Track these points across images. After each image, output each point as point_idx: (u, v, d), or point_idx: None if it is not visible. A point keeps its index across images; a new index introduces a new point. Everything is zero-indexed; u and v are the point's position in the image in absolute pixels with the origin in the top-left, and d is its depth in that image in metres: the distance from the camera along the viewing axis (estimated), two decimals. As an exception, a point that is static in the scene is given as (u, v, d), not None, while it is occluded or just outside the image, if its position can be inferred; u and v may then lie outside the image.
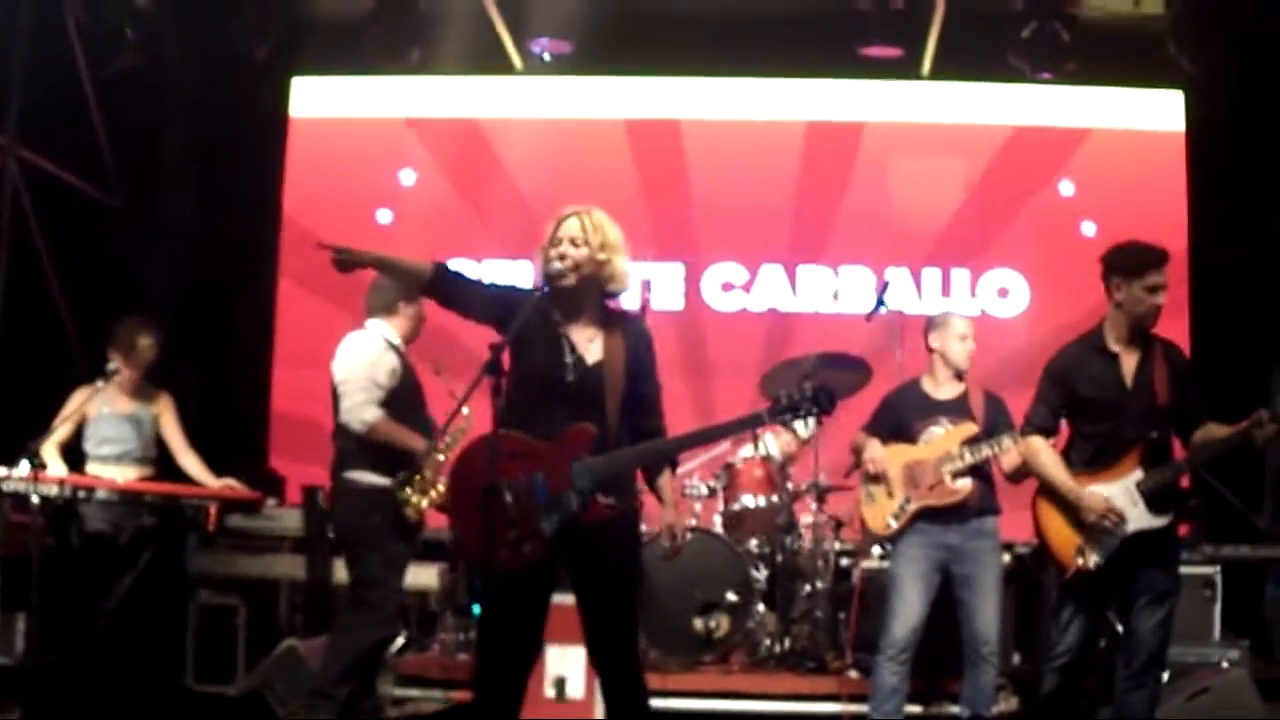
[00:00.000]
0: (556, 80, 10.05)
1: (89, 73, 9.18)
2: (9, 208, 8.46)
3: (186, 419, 7.95)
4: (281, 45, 9.58)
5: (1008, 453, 6.43)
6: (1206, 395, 5.89)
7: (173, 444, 7.81)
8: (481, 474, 4.63)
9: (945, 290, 9.82)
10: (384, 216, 10.04)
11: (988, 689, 6.50)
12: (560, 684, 6.90)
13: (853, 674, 7.30)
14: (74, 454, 7.65)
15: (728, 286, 9.94)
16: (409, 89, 10.10)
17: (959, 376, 6.68)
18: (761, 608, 7.71)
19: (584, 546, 4.84)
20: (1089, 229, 9.72)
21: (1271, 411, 5.57)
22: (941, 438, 6.55)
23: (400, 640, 7.49)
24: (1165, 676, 6.18)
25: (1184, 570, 6.54)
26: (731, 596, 7.56)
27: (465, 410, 5.13)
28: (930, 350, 6.72)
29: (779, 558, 7.87)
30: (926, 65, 9.79)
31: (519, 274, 8.68)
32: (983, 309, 9.69)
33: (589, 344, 4.94)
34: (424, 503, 6.24)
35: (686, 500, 7.95)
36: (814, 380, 5.01)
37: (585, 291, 4.95)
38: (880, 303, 7.56)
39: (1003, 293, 9.86)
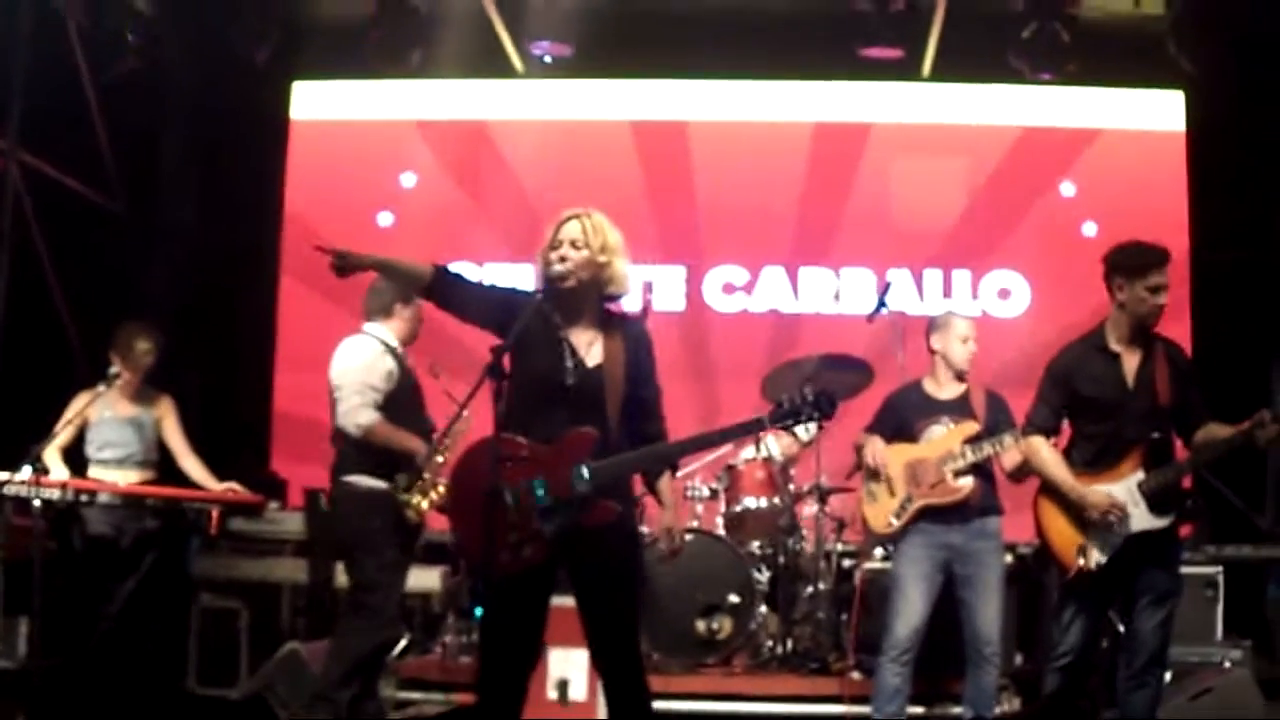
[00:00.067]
0: (557, 83, 10.06)
1: (90, 77, 9.19)
2: (10, 212, 8.48)
3: (188, 422, 7.96)
4: (282, 48, 9.59)
5: (1009, 451, 6.42)
6: (1207, 395, 5.89)
7: (174, 447, 7.82)
8: (482, 477, 4.63)
9: (946, 291, 9.82)
10: (385, 219, 10.05)
11: (990, 689, 6.49)
12: (563, 686, 6.89)
13: (855, 675, 7.29)
14: (76, 458, 7.66)
15: (729, 288, 9.95)
16: (410, 92, 10.11)
17: (960, 377, 6.68)
18: (764, 609, 7.71)
19: (584, 550, 4.85)
20: (1090, 229, 9.73)
21: (1273, 412, 5.57)
22: (943, 436, 6.55)
23: (403, 643, 7.49)
24: (1168, 677, 6.19)
25: (1186, 570, 6.56)
26: (733, 598, 7.57)
27: (465, 413, 5.12)
28: (932, 351, 6.72)
29: (781, 559, 7.87)
30: (927, 66, 9.79)
31: (520, 277, 8.67)
32: (984, 310, 9.69)
33: (589, 347, 4.94)
34: (425, 504, 6.23)
35: (688, 502, 7.96)
36: (815, 382, 5.04)
37: (585, 294, 4.95)
38: (881, 304, 7.56)
39: (1004, 294, 9.86)
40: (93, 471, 7.64)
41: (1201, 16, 9.06)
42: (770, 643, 7.77)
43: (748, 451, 8.03)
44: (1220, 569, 7.57)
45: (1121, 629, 6.08)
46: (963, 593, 6.49)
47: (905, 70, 9.69)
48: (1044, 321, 9.47)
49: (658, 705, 5.07)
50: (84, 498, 7.35)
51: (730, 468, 8.03)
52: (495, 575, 4.76)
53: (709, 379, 9.60)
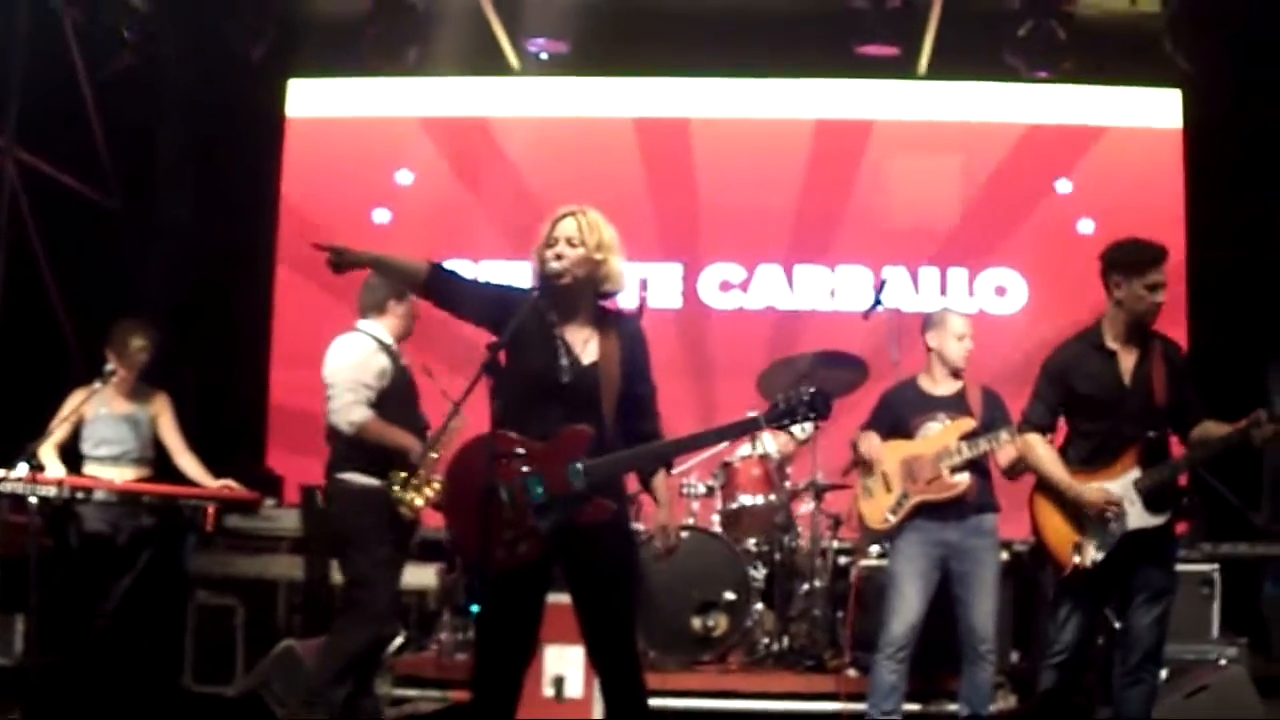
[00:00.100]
0: (554, 80, 10.06)
1: (86, 74, 9.18)
2: (7, 209, 8.46)
3: (184, 419, 7.96)
4: (278, 46, 9.59)
5: (1005, 447, 6.42)
6: (1204, 393, 5.89)
7: (170, 444, 7.82)
8: (477, 474, 4.64)
9: (943, 289, 9.83)
10: (381, 216, 10.05)
11: (986, 686, 6.50)
12: (559, 683, 6.89)
13: (851, 672, 7.27)
14: (72, 455, 7.65)
15: (726, 286, 9.95)
16: (406, 89, 10.10)
17: (956, 375, 6.68)
18: (759, 606, 7.71)
19: (579, 547, 4.84)
20: (1086, 227, 9.73)
21: (1270, 411, 5.57)
22: (939, 433, 6.55)
23: (399, 640, 7.50)
24: (1164, 674, 6.20)
25: (1182, 568, 6.55)
26: (729, 595, 7.56)
27: (460, 411, 5.12)
28: (928, 349, 6.72)
29: (777, 556, 7.86)
30: (923, 64, 9.79)
31: (517, 274, 8.66)
32: (980, 307, 9.69)
33: (584, 344, 4.93)
34: (418, 501, 6.23)
35: (684, 499, 7.96)
36: (811, 379, 5.04)
37: (581, 291, 4.94)
38: (877, 301, 7.55)
39: (1000, 291, 9.86)
40: (88, 469, 7.63)
41: (1198, 14, 9.06)
42: (766, 640, 7.77)
43: (744, 448, 8.03)
44: (1216, 566, 7.58)
45: (1117, 626, 6.09)
46: (958, 590, 6.49)
47: (901, 68, 9.70)
48: (1040, 319, 9.48)
49: (653, 702, 5.06)
50: (80, 495, 7.34)
51: (726, 465, 8.03)
52: (491, 572, 4.76)
53: (705, 376, 9.60)
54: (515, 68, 10.06)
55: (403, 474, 6.15)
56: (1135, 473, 5.71)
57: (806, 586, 7.83)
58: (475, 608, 6.96)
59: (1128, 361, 5.80)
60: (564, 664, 6.83)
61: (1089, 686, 6.69)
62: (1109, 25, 9.52)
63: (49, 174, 8.98)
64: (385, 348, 6.47)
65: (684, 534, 7.17)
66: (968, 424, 6.53)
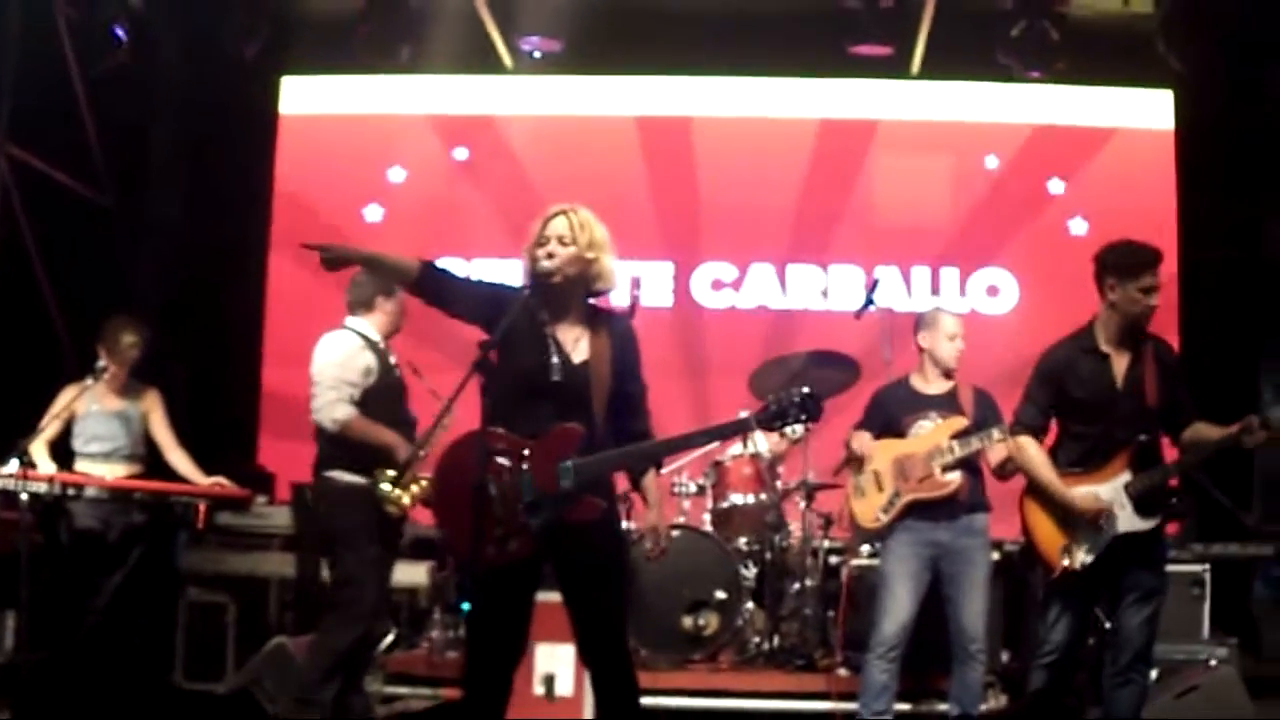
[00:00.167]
0: (547, 78, 10.05)
1: (79, 71, 9.17)
2: (-1, 206, 8.47)
3: (176, 416, 7.94)
4: (271, 43, 9.59)
5: (996, 446, 6.42)
6: (1195, 394, 5.89)
7: (161, 441, 7.81)
8: (467, 471, 4.63)
9: (935, 288, 9.84)
10: (373, 214, 10.05)
11: (976, 686, 6.50)
12: (549, 682, 6.88)
13: (842, 672, 7.29)
14: (63, 452, 7.64)
15: (718, 284, 9.95)
16: (399, 87, 10.09)
17: (948, 374, 6.68)
18: (750, 605, 7.70)
19: (569, 545, 4.84)
20: (1079, 228, 9.75)
21: (1262, 417, 5.57)
22: (931, 431, 6.55)
23: (389, 638, 7.49)
24: (1154, 674, 6.20)
25: (1172, 568, 6.56)
26: (720, 594, 7.55)
27: (450, 408, 5.11)
28: (919, 348, 6.73)
29: (768, 555, 7.86)
30: (916, 64, 9.80)
31: (509, 272, 8.67)
32: (972, 307, 9.70)
33: (575, 343, 4.93)
34: (406, 498, 6.21)
35: (675, 497, 7.95)
36: (803, 379, 5.03)
37: (572, 290, 4.95)
38: (869, 300, 7.56)
39: (992, 291, 9.88)
40: (80, 465, 7.62)
41: (1190, 15, 9.07)
42: (757, 639, 7.76)
43: (735, 447, 8.02)
44: (1207, 567, 7.57)
45: (1107, 626, 6.09)
46: (949, 590, 6.49)
47: (894, 68, 9.70)
48: (1032, 319, 9.50)
49: (644, 701, 5.06)
50: (71, 491, 7.34)
51: (717, 464, 8.02)
52: (481, 569, 4.75)
53: (697, 375, 9.60)
54: (509, 66, 10.05)
55: (389, 472, 6.14)
56: (1126, 476, 5.71)
57: (797, 586, 7.83)
58: (466, 605, 6.96)
59: (1120, 365, 5.79)
60: (555, 662, 6.82)
61: (1079, 687, 6.69)
62: (1102, 26, 9.53)
63: (41, 170, 8.97)
64: (372, 345, 6.45)
65: (675, 533, 7.17)
66: (959, 423, 6.53)
